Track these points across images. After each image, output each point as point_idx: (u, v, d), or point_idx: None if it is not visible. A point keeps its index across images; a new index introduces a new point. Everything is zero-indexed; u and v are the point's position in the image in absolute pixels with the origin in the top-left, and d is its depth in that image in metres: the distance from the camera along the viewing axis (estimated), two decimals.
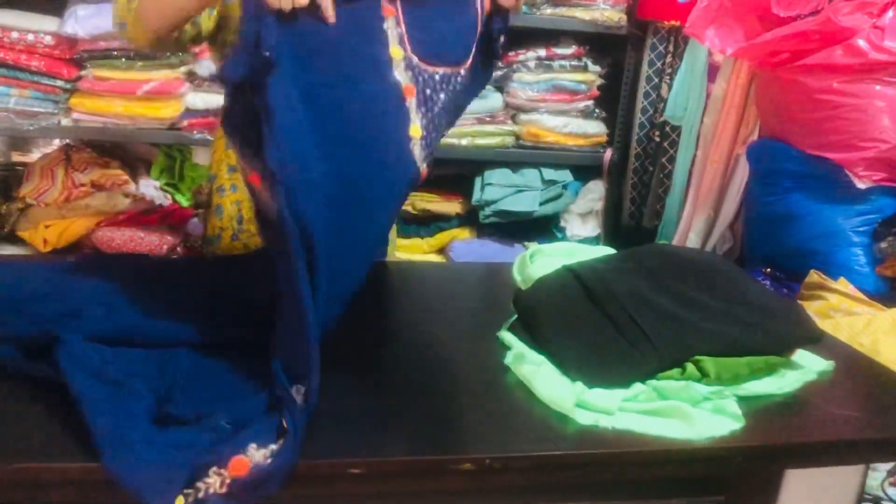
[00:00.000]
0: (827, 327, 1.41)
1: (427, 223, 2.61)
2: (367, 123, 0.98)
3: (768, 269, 2.07)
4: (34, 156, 2.65)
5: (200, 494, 0.72)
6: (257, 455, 0.75)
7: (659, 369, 1.00)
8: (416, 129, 1.01)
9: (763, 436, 0.94)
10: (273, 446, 0.76)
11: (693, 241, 2.43)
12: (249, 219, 1.38)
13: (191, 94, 2.29)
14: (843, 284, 1.87)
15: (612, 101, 2.64)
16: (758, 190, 2.20)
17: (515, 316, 1.15)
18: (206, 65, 2.25)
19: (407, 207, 2.56)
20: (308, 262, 0.88)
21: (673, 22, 2.45)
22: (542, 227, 2.66)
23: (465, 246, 2.56)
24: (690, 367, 1.01)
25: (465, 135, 2.51)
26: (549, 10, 2.46)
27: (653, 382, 0.99)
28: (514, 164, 2.59)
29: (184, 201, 2.52)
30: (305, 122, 0.92)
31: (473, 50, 1.10)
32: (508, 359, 1.05)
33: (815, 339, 1.12)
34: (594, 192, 2.67)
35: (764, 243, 2.19)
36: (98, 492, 0.79)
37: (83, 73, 2.20)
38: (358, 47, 0.99)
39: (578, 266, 1.16)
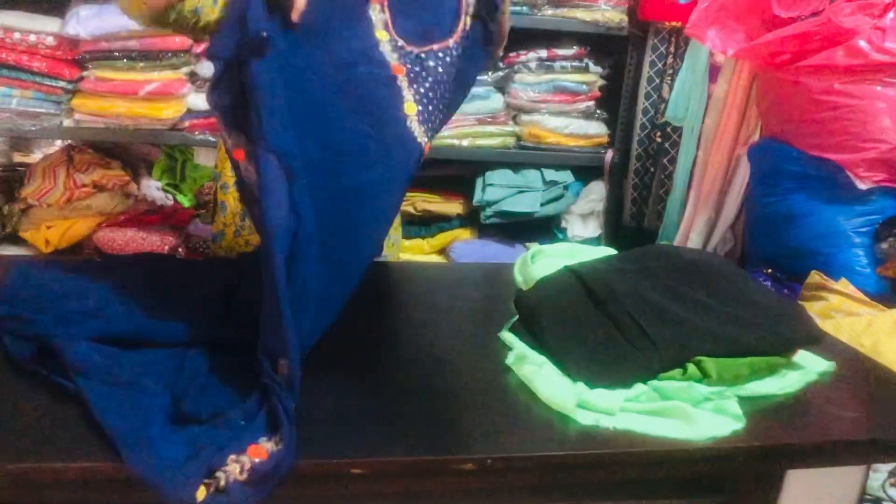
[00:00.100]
0: (828, 328, 1.41)
1: (428, 224, 2.62)
2: (360, 104, 0.99)
3: (769, 270, 2.07)
4: (36, 156, 2.66)
5: (221, 483, 0.73)
6: (269, 444, 0.77)
7: (660, 370, 1.00)
8: (410, 105, 1.03)
9: (764, 436, 0.94)
10: (277, 436, 0.78)
11: (694, 242, 2.43)
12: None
13: (192, 95, 2.29)
14: (844, 285, 1.87)
15: (614, 101, 2.64)
16: (759, 191, 2.20)
17: (517, 316, 1.15)
18: (208, 66, 2.25)
19: (408, 208, 2.56)
20: (296, 240, 0.89)
21: (674, 23, 2.45)
22: (544, 228, 2.66)
23: (467, 246, 2.56)
24: (692, 367, 1.01)
25: (467, 135, 2.51)
26: (550, 11, 2.46)
27: (654, 383, 1.00)
28: (516, 165, 2.59)
29: (185, 202, 2.53)
30: (296, 104, 0.93)
31: (463, 19, 1.11)
32: (510, 359, 1.05)
33: (816, 340, 1.12)
34: (595, 193, 2.67)
35: (765, 244, 2.19)
36: (99, 492, 0.79)
37: (85, 73, 2.20)
38: (344, 33, 1.01)
39: (580, 267, 1.16)
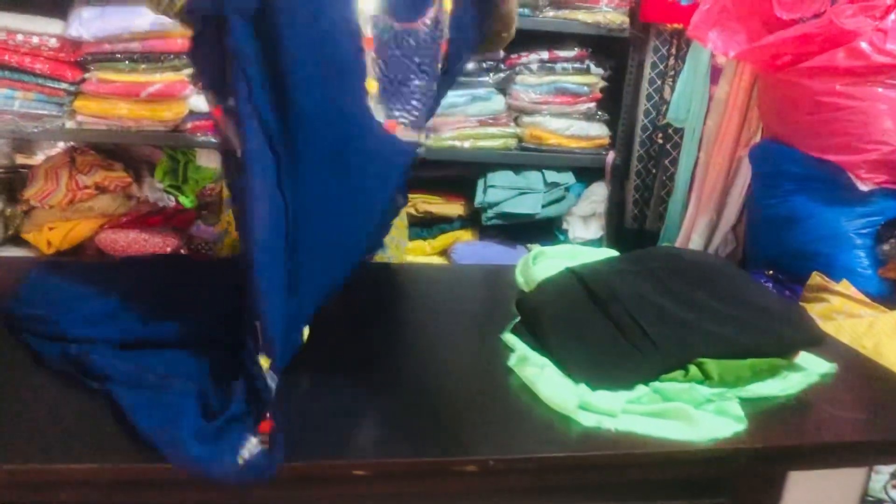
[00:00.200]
0: (829, 329, 1.41)
1: (429, 225, 2.62)
2: (329, 69, 0.99)
3: (771, 272, 2.07)
4: (38, 158, 2.66)
5: (247, 456, 0.80)
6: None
7: (662, 371, 1.01)
8: (371, 83, 1.02)
9: (766, 438, 0.94)
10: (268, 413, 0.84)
11: (696, 244, 2.43)
12: None
13: (195, 97, 2.29)
14: (845, 287, 1.87)
15: (615, 103, 2.64)
16: (760, 192, 2.20)
17: (518, 318, 1.15)
18: None
19: (409, 210, 2.56)
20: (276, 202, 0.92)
21: (675, 24, 2.45)
22: (545, 230, 2.66)
23: (468, 248, 2.56)
24: (693, 369, 1.01)
25: (468, 137, 2.51)
26: (551, 13, 2.46)
27: (656, 384, 1.00)
28: (517, 167, 2.59)
29: (187, 203, 2.52)
30: (273, 64, 0.93)
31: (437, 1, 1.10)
32: (512, 361, 1.05)
33: (818, 342, 1.12)
34: (597, 195, 2.67)
35: (766, 245, 2.19)
36: (101, 492, 0.79)
37: (87, 75, 2.20)
38: (324, 1, 1.00)
39: (581, 268, 1.17)
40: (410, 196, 2.49)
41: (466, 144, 2.51)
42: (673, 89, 2.51)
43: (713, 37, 2.11)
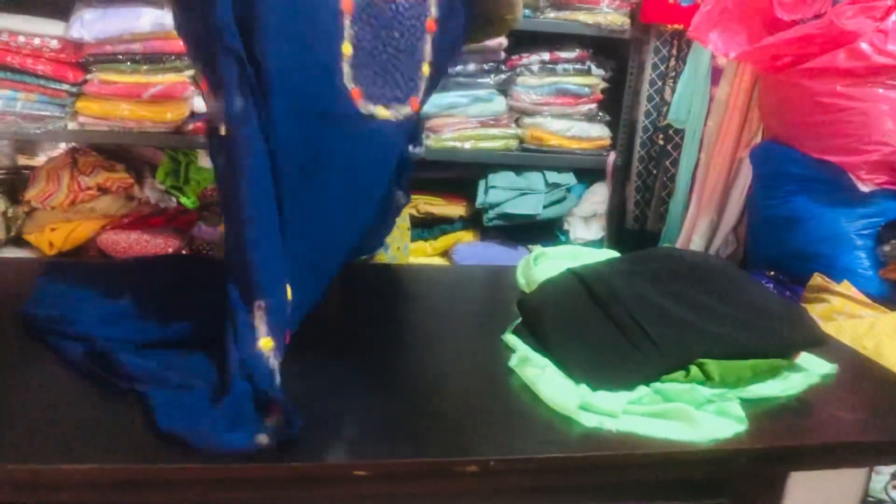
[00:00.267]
0: (830, 330, 1.41)
1: (431, 226, 2.62)
2: (305, 25, 0.99)
3: (772, 272, 2.07)
4: (40, 159, 2.66)
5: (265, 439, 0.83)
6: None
7: (663, 372, 1.01)
8: (346, 46, 1.02)
9: (767, 438, 0.94)
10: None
11: (697, 245, 2.43)
12: None
13: (196, 98, 2.29)
14: (846, 287, 1.87)
15: (616, 104, 2.64)
16: (761, 193, 2.20)
17: (519, 319, 1.16)
18: None
19: (411, 210, 2.56)
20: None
21: (676, 25, 2.45)
22: (546, 231, 2.66)
23: (469, 249, 2.57)
24: (694, 369, 1.01)
25: (469, 138, 2.51)
26: (552, 14, 2.47)
27: (657, 385, 1.00)
28: (518, 168, 2.59)
29: (189, 204, 2.52)
30: (247, 19, 0.94)
31: None
32: (513, 361, 1.05)
33: (819, 342, 1.12)
34: (598, 196, 2.67)
35: (767, 246, 2.19)
36: (101, 493, 0.79)
37: (89, 76, 2.21)
38: None
39: (582, 269, 1.17)
40: (412, 197, 2.49)
41: (467, 145, 2.51)
42: (674, 90, 2.51)
43: (714, 38, 2.11)
